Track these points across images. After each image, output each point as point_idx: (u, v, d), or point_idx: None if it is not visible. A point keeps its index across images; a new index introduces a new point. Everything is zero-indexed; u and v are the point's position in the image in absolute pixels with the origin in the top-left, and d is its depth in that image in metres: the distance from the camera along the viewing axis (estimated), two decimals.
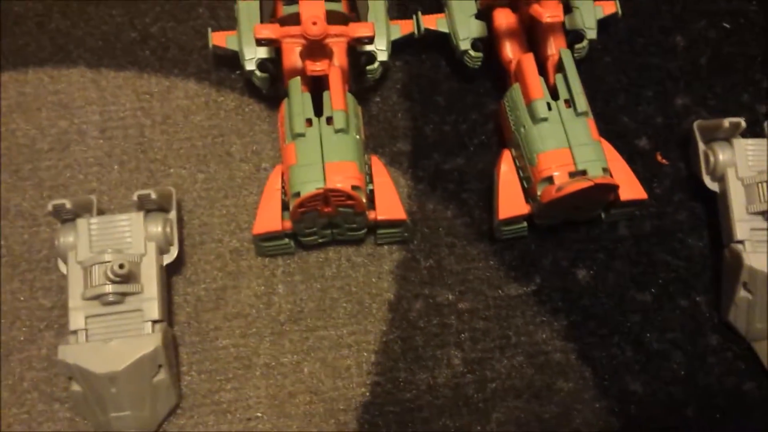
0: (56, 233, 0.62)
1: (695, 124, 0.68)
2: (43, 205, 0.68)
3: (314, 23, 0.60)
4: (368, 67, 0.70)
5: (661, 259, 0.67)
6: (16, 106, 0.73)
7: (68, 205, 0.61)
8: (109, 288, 0.58)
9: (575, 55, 0.70)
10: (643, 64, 0.75)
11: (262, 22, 0.67)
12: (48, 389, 0.62)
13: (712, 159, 0.66)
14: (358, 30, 0.62)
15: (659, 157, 0.71)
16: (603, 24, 0.73)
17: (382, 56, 0.69)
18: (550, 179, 0.61)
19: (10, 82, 0.74)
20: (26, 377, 0.63)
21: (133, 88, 0.74)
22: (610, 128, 0.72)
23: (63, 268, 0.62)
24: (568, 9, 0.71)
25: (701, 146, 0.67)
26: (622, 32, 0.76)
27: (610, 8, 0.73)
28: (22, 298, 0.65)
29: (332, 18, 0.65)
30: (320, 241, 0.66)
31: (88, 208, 0.63)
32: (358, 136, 0.64)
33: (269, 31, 0.61)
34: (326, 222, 0.64)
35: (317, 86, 0.67)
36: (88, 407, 0.59)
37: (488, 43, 0.71)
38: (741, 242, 0.63)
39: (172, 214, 0.64)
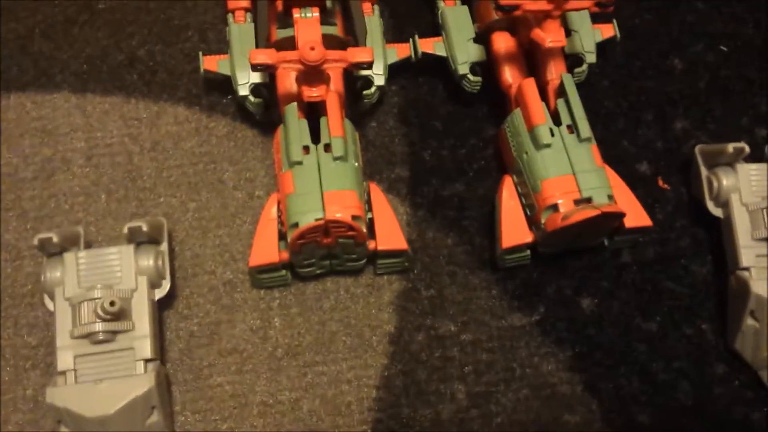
0: (42, 268, 0.60)
1: (697, 149, 0.67)
2: (27, 237, 0.66)
3: (312, 48, 0.58)
4: (365, 92, 0.68)
5: (665, 287, 0.66)
6: None
7: (55, 239, 0.59)
8: (99, 326, 0.56)
9: (575, 78, 0.69)
10: (642, 88, 0.75)
11: (257, 44, 0.65)
12: None
13: (715, 184, 0.65)
14: (357, 55, 0.60)
15: (660, 182, 0.71)
16: (601, 48, 0.72)
17: (379, 80, 0.68)
18: (554, 207, 0.60)
19: None
20: (11, 420, 0.60)
21: (120, 114, 0.71)
22: (610, 153, 0.71)
23: (50, 304, 0.59)
24: (567, 33, 0.70)
25: (704, 171, 0.66)
26: (620, 56, 0.76)
27: (609, 32, 0.72)
28: (6, 336, 0.62)
29: (328, 42, 0.63)
30: (318, 272, 0.64)
31: (75, 241, 0.61)
32: (356, 164, 0.62)
33: (265, 56, 0.59)
34: (325, 252, 0.62)
35: (313, 112, 0.65)
36: None
37: (486, 67, 0.70)
38: (747, 269, 0.62)
39: (164, 246, 0.62)
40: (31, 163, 0.69)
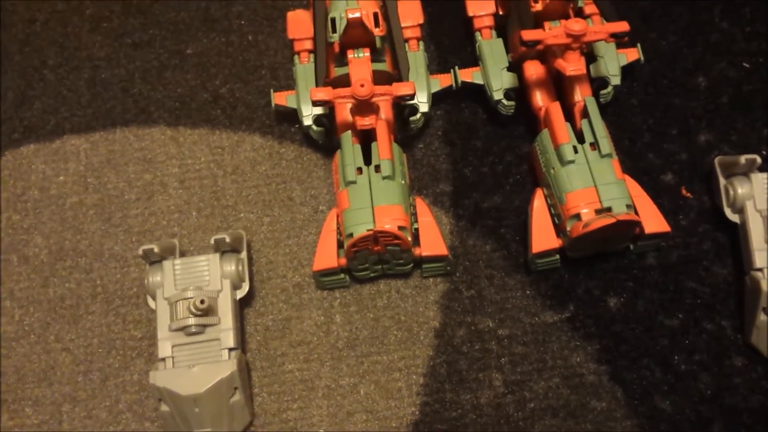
0: (146, 274, 0.72)
1: (716, 161, 0.73)
2: (132, 248, 0.79)
3: (362, 85, 0.69)
4: (411, 118, 0.78)
5: (687, 287, 0.72)
6: (106, 162, 0.84)
7: (155, 249, 0.71)
8: (192, 321, 0.68)
9: (601, 99, 0.77)
10: (668, 105, 0.81)
11: (316, 83, 0.76)
12: (140, 410, 0.72)
13: (732, 192, 0.71)
14: (400, 89, 0.70)
15: (684, 191, 0.77)
16: (628, 69, 0.79)
17: (424, 108, 0.78)
18: (577, 216, 0.68)
19: (101, 141, 0.85)
20: (121, 399, 0.72)
21: (206, 143, 0.84)
22: (637, 165, 0.78)
23: (152, 303, 0.72)
24: (593, 58, 0.78)
25: (722, 181, 0.72)
26: (647, 75, 0.82)
27: (633, 55, 0.79)
28: (116, 330, 0.75)
29: (378, 77, 0.74)
30: (372, 275, 0.74)
31: (171, 251, 0.73)
32: (403, 182, 0.72)
33: (323, 93, 0.70)
34: (377, 258, 0.72)
35: (366, 137, 0.75)
36: (175, 425, 0.68)
37: (520, 92, 0.79)
38: (760, 270, 0.67)
39: (243, 255, 0.73)
40: (134, 186, 0.82)
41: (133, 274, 0.78)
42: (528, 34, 0.68)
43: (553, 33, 0.68)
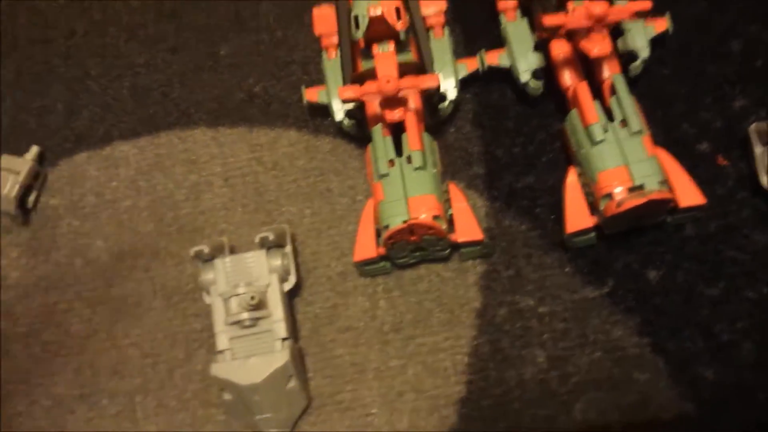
0: (199, 272, 0.76)
1: (751, 128, 0.73)
2: (185, 246, 0.82)
3: (388, 81, 0.71)
4: (440, 105, 0.80)
5: (727, 255, 0.73)
6: (154, 165, 0.88)
7: (206, 250, 0.75)
8: (245, 315, 0.72)
9: (630, 73, 0.77)
10: (700, 72, 0.80)
11: (343, 80, 0.77)
12: (206, 397, 0.76)
13: (766, 159, 0.71)
14: (425, 82, 0.72)
15: (720, 159, 0.76)
16: (658, 40, 0.79)
17: (452, 95, 0.79)
18: (610, 195, 0.69)
19: (147, 145, 0.89)
20: (188, 389, 0.77)
21: (246, 141, 0.87)
22: (671, 136, 0.78)
23: (207, 299, 0.76)
24: (620, 31, 0.77)
25: (758, 149, 0.72)
26: (677, 43, 0.81)
27: (662, 26, 0.78)
28: (177, 324, 0.80)
29: (405, 68, 0.75)
30: (412, 261, 0.77)
31: (221, 249, 0.77)
32: (435, 170, 0.74)
33: (351, 92, 0.72)
34: (415, 246, 0.74)
35: (397, 127, 0.77)
36: (238, 411, 0.72)
37: (548, 70, 0.79)
38: None
39: (288, 248, 0.77)
40: (182, 186, 0.86)
41: (188, 271, 0.82)
42: (549, 20, 0.68)
43: (574, 16, 0.68)
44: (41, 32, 0.99)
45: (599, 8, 0.68)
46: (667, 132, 0.78)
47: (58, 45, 0.97)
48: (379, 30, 0.75)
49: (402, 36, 0.77)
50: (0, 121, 0.93)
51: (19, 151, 0.89)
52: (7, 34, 0.99)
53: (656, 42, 0.78)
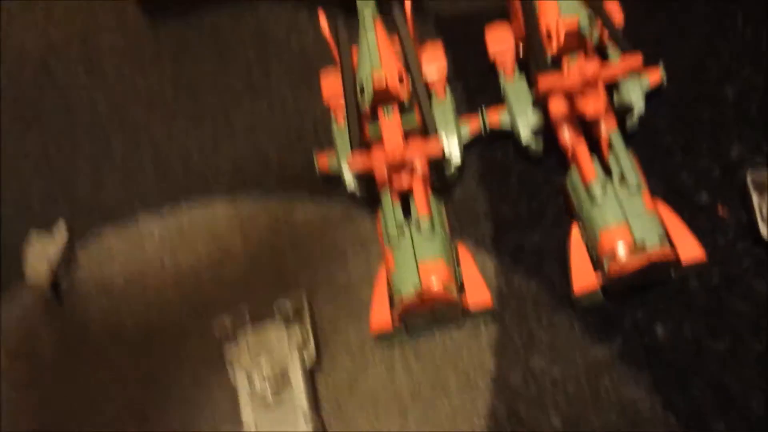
0: (223, 348, 0.80)
1: (747, 177, 0.74)
2: (209, 318, 0.84)
3: (394, 150, 0.74)
4: (446, 173, 0.82)
5: (731, 307, 0.74)
6: (177, 238, 0.92)
7: (228, 323, 0.79)
8: (267, 389, 0.75)
9: (627, 126, 0.78)
10: (696, 120, 0.81)
11: (351, 147, 0.80)
12: None
13: (765, 209, 0.72)
14: (429, 149, 0.74)
15: (720, 210, 0.77)
16: (652, 92, 0.80)
17: (456, 161, 0.82)
18: (613, 256, 0.70)
19: (170, 218, 0.93)
20: None
21: (263, 209, 0.90)
22: (670, 187, 0.79)
23: (231, 371, 0.80)
24: (615, 86, 0.79)
25: (755, 198, 0.73)
26: (673, 92, 0.82)
27: (656, 78, 0.79)
28: (203, 398, 0.82)
29: (410, 132, 0.79)
30: (426, 326, 0.79)
31: (243, 321, 0.81)
32: (443, 233, 0.76)
33: (359, 163, 0.75)
34: (428, 312, 0.77)
35: (407, 191, 0.80)
36: None
37: (548, 125, 0.81)
38: None
39: (306, 320, 0.80)
40: (204, 259, 0.90)
41: (213, 343, 0.85)
42: (543, 84, 0.70)
43: (568, 78, 0.70)
44: (65, 108, 1.04)
45: (591, 69, 0.70)
46: (666, 182, 0.79)
47: (81, 120, 1.02)
48: (383, 96, 0.78)
49: (406, 99, 0.80)
50: (30, 198, 0.98)
51: (47, 225, 0.94)
52: (32, 111, 1.05)
53: (651, 94, 0.80)
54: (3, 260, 0.95)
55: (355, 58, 0.82)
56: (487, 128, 0.82)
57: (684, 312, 0.75)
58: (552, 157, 0.83)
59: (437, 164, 0.82)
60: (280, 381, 0.76)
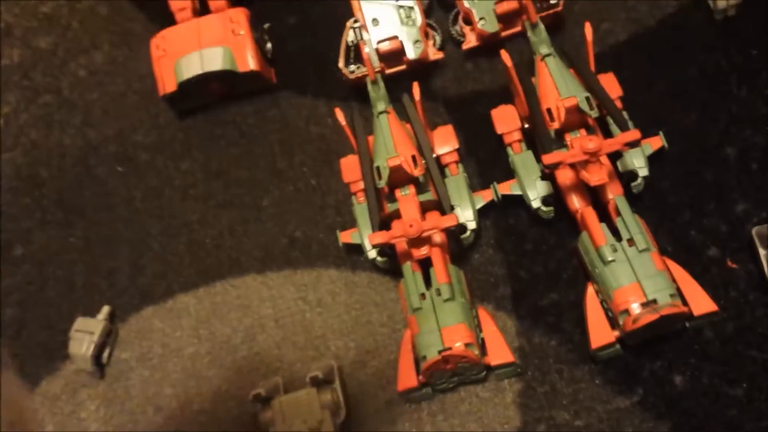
0: (258, 413, 0.84)
1: (753, 232, 0.78)
2: (244, 387, 0.90)
3: (411, 225, 0.79)
4: (462, 236, 0.87)
5: (747, 355, 0.77)
6: (212, 313, 0.97)
7: (263, 392, 0.83)
8: None
9: (633, 190, 0.84)
10: (700, 180, 0.86)
11: (372, 226, 0.85)
12: None
13: None
14: (445, 222, 0.80)
15: (729, 263, 0.81)
16: (656, 153, 0.86)
17: (471, 225, 0.87)
18: (627, 311, 0.74)
19: (205, 296, 0.98)
20: None
21: (291, 283, 0.96)
22: (680, 244, 0.83)
23: None
24: (619, 154, 0.85)
25: (762, 252, 0.77)
26: (675, 155, 0.88)
27: (657, 143, 0.85)
28: None
29: (426, 206, 0.84)
30: (451, 386, 0.82)
31: (277, 390, 0.85)
32: (463, 299, 0.81)
33: (380, 238, 0.81)
34: (452, 372, 0.80)
35: (426, 260, 0.85)
36: None
37: (557, 193, 0.86)
38: None
39: (337, 384, 0.84)
40: (238, 331, 0.95)
41: (249, 411, 0.89)
42: (547, 159, 0.76)
43: (571, 153, 0.76)
44: (104, 200, 1.11)
45: (593, 144, 0.76)
46: (676, 241, 0.84)
47: (120, 210, 1.09)
48: (399, 177, 0.84)
49: (421, 179, 0.86)
50: (75, 286, 1.04)
51: (92, 312, 0.99)
52: (74, 205, 1.12)
53: (654, 158, 0.85)
54: (50, 347, 1.00)
55: (371, 146, 0.89)
56: (500, 196, 0.88)
57: (700, 362, 0.78)
58: (564, 221, 0.89)
59: (454, 232, 0.87)
60: None
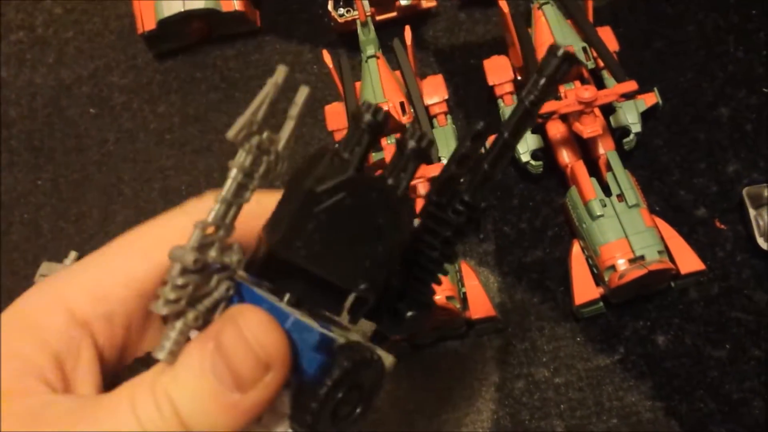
0: None
1: (744, 192, 0.76)
2: None
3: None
4: None
5: (731, 316, 0.75)
6: None
7: None
8: None
9: (625, 147, 0.82)
10: (693, 140, 0.84)
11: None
12: None
13: (762, 222, 0.74)
14: (432, 173, 0.77)
15: (717, 223, 0.80)
16: (649, 111, 0.83)
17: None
18: (613, 267, 0.72)
19: None
20: None
21: None
22: (669, 204, 0.82)
23: None
24: (612, 109, 0.82)
25: (751, 212, 0.75)
26: (668, 114, 0.86)
27: (652, 100, 0.83)
28: None
29: None
30: (430, 340, 0.80)
31: None
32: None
33: None
34: (432, 326, 0.78)
35: None
36: None
37: (546, 149, 0.84)
38: None
39: None
40: None
41: None
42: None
43: (565, 102, 0.74)
44: (76, 142, 1.07)
45: (588, 94, 0.73)
46: (665, 200, 0.82)
47: (91, 153, 1.05)
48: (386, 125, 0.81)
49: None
50: (41, 229, 1.00)
51: (59, 258, 0.95)
52: (44, 146, 1.07)
53: (648, 113, 0.83)
54: (15, 293, 0.96)
55: (358, 93, 0.86)
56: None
57: (684, 322, 0.76)
58: (552, 178, 0.86)
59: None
60: None
